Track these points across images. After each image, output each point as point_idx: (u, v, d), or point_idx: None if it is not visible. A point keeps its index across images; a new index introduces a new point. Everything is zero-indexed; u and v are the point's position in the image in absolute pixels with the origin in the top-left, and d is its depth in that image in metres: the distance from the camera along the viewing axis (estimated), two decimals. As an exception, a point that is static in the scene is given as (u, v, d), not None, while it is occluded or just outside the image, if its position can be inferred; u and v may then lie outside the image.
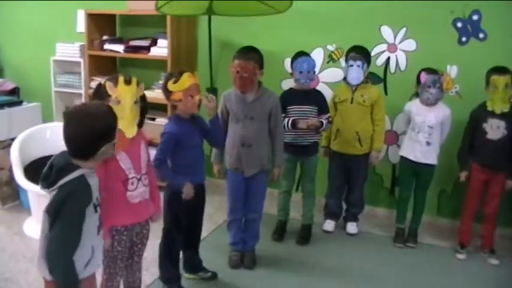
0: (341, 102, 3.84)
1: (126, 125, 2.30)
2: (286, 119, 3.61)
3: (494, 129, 3.47)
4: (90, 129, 1.87)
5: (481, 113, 3.55)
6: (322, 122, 3.63)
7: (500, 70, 3.43)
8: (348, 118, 3.83)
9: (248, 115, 3.25)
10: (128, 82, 2.31)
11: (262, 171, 3.39)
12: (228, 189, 3.47)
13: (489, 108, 3.48)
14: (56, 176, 1.86)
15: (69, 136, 1.88)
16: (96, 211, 1.97)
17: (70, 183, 1.86)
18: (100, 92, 2.33)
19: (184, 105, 2.82)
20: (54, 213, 1.85)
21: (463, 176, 3.68)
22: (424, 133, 3.68)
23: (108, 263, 2.39)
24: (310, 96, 3.71)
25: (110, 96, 2.29)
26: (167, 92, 2.83)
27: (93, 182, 1.95)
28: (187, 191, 2.89)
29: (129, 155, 2.37)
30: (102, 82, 2.34)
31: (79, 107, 1.97)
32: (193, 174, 2.99)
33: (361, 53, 3.77)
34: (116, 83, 2.30)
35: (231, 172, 3.39)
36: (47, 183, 1.89)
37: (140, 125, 2.46)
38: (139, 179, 2.42)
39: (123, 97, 2.29)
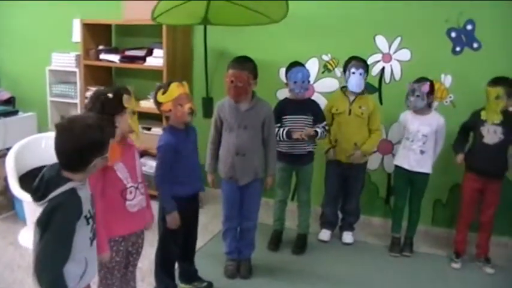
0: (339, 114, 3.84)
1: (138, 135, 2.41)
2: (281, 129, 3.62)
3: (491, 134, 3.48)
4: (81, 143, 1.84)
5: (476, 119, 3.57)
6: (317, 132, 3.63)
7: (493, 81, 3.45)
8: (346, 129, 3.83)
9: (242, 124, 3.26)
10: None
11: (257, 179, 3.40)
12: (223, 198, 3.46)
13: (482, 117, 3.50)
14: (46, 189, 1.85)
15: (59, 149, 1.86)
16: (88, 223, 1.94)
17: (60, 196, 1.84)
18: (111, 104, 2.30)
19: (175, 114, 2.84)
20: (43, 225, 1.83)
21: (459, 158, 3.66)
22: (418, 142, 3.69)
23: (106, 275, 2.37)
24: (305, 106, 3.72)
25: (124, 108, 2.30)
26: (158, 104, 2.85)
27: (84, 194, 1.93)
28: (172, 220, 2.91)
29: (126, 165, 2.38)
30: (110, 95, 2.30)
31: (71, 119, 1.93)
32: (190, 184, 3.00)
33: (363, 61, 3.82)
34: (129, 94, 2.33)
35: (225, 181, 3.39)
36: (37, 196, 1.87)
37: None
38: (136, 188, 2.43)
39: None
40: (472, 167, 3.61)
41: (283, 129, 3.62)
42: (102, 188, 2.20)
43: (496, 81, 3.43)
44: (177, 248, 3.09)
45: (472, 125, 3.63)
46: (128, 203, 2.39)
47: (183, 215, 2.98)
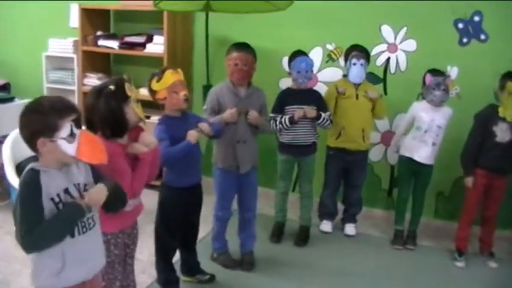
0: (346, 99, 3.77)
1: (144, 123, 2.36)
2: (284, 117, 3.55)
3: (504, 132, 3.40)
4: (20, 124, 1.80)
5: (490, 115, 3.44)
6: (320, 114, 3.57)
7: None
8: (354, 114, 3.77)
9: (242, 111, 3.20)
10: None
11: (254, 167, 3.36)
12: (218, 189, 3.36)
13: (500, 114, 3.37)
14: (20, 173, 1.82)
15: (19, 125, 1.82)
16: (57, 208, 1.79)
17: (21, 177, 1.81)
18: (115, 96, 2.21)
19: (170, 102, 2.76)
20: (15, 209, 1.78)
21: (470, 181, 3.55)
22: (431, 133, 3.61)
23: (107, 270, 2.29)
24: (308, 96, 3.66)
25: (128, 97, 2.22)
26: (152, 92, 2.77)
27: (51, 177, 1.80)
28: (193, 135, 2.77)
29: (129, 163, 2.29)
30: (112, 87, 2.21)
31: (34, 100, 1.85)
32: (190, 174, 2.93)
33: (364, 51, 3.74)
34: (129, 83, 2.25)
35: (223, 171, 3.31)
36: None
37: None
38: None
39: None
40: (482, 164, 3.51)
41: (285, 117, 3.55)
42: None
43: None
44: (173, 239, 3.02)
45: (482, 129, 3.49)
46: None
47: (182, 206, 2.93)
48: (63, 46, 4.97)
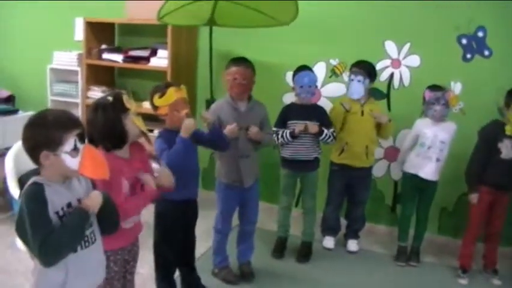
0: (351, 114, 3.75)
1: (147, 136, 2.34)
2: (285, 131, 3.55)
3: (509, 149, 3.38)
4: (23, 136, 1.79)
5: (495, 132, 3.42)
6: (322, 130, 3.56)
7: None
8: (358, 131, 3.75)
9: (243, 126, 3.20)
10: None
11: (256, 180, 3.37)
12: (221, 204, 3.36)
13: (507, 133, 3.33)
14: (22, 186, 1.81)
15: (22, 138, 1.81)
16: (62, 222, 1.79)
17: (24, 190, 1.79)
18: (113, 107, 2.22)
19: (171, 119, 2.76)
20: (20, 224, 1.77)
21: (474, 198, 3.52)
22: (435, 149, 3.60)
23: (105, 286, 2.28)
24: (311, 111, 3.65)
25: (127, 109, 2.22)
26: (154, 107, 2.77)
27: (56, 192, 1.80)
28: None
29: (128, 180, 2.27)
30: (110, 98, 2.23)
31: (38, 113, 1.86)
32: (187, 188, 2.91)
33: (363, 68, 3.71)
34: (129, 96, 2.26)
35: (226, 186, 3.30)
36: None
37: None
38: None
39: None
40: (486, 181, 3.48)
41: (286, 131, 3.56)
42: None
43: None
44: (173, 254, 3.00)
45: (487, 145, 3.47)
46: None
47: (179, 219, 2.92)
48: (67, 59, 5.00)
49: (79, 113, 4.84)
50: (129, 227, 2.31)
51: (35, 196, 1.76)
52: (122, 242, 2.34)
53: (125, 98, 2.23)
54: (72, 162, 1.80)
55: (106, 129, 2.21)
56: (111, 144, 2.24)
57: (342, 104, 3.77)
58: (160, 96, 2.70)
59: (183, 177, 2.82)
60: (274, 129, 3.57)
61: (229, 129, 3.10)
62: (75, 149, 1.80)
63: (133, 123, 2.24)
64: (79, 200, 1.88)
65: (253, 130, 3.20)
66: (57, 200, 1.80)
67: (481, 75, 3.85)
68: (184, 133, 2.68)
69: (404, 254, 3.85)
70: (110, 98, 2.23)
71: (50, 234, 1.72)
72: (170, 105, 2.70)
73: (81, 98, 4.90)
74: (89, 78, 4.79)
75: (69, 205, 1.84)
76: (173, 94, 2.69)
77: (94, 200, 1.87)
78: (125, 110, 2.22)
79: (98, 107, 2.25)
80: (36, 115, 1.83)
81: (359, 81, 3.67)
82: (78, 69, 4.91)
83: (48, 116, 1.82)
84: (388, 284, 3.54)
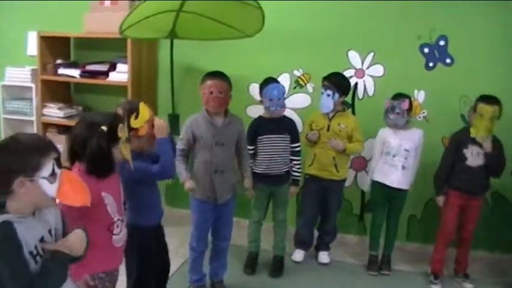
0: (318, 130, 3.74)
1: (130, 162, 2.27)
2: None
3: (474, 156, 3.43)
4: (5, 159, 1.60)
5: (463, 138, 3.48)
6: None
7: (489, 99, 3.35)
8: (324, 145, 3.74)
9: (219, 142, 3.13)
10: None
11: (233, 196, 3.29)
12: (196, 220, 3.26)
13: (472, 135, 3.40)
14: None
15: None
16: (36, 262, 1.62)
17: None
18: (106, 138, 2.10)
19: (151, 137, 2.59)
20: None
21: (440, 201, 3.60)
22: (400, 157, 3.63)
23: None
24: (281, 125, 3.60)
25: (118, 139, 2.13)
26: (131, 129, 2.48)
27: (24, 228, 1.60)
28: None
29: (114, 198, 2.18)
30: (104, 128, 2.09)
31: (8, 137, 1.69)
32: (159, 210, 2.82)
33: (333, 82, 3.67)
34: (123, 122, 2.19)
35: (200, 202, 3.20)
36: None
37: None
38: (122, 220, 2.23)
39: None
40: (454, 185, 3.55)
41: None
42: (83, 223, 1.96)
43: (491, 100, 3.33)
44: (153, 279, 2.86)
45: (454, 149, 3.52)
46: (114, 237, 2.19)
47: (153, 245, 2.78)
48: (20, 75, 4.75)
49: (34, 131, 4.62)
50: (119, 246, 2.24)
51: (6, 240, 1.56)
52: (117, 261, 2.27)
53: (120, 127, 2.13)
54: (50, 189, 1.65)
55: (96, 157, 2.08)
56: (97, 173, 2.11)
57: (310, 128, 3.78)
58: (136, 117, 2.53)
59: (154, 198, 2.74)
60: (249, 147, 3.50)
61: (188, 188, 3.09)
62: (53, 174, 1.66)
63: (120, 151, 2.15)
64: (50, 231, 1.72)
65: (247, 184, 3.42)
66: (30, 237, 1.62)
67: (443, 83, 3.92)
68: (162, 134, 2.58)
69: (376, 263, 3.85)
70: (105, 128, 2.09)
71: (33, 285, 1.56)
72: (148, 121, 2.54)
73: (36, 115, 4.68)
74: (44, 94, 4.58)
75: (41, 239, 1.67)
76: (145, 109, 2.55)
77: (81, 243, 1.74)
78: (117, 139, 2.13)
79: (92, 130, 2.10)
80: (8, 139, 1.68)
81: (328, 95, 3.65)
82: (32, 85, 4.68)
83: (23, 140, 1.66)
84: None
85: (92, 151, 2.07)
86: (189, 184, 3.08)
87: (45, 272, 1.60)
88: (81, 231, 1.77)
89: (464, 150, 3.46)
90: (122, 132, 2.14)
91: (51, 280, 1.62)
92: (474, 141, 3.42)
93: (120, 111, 2.55)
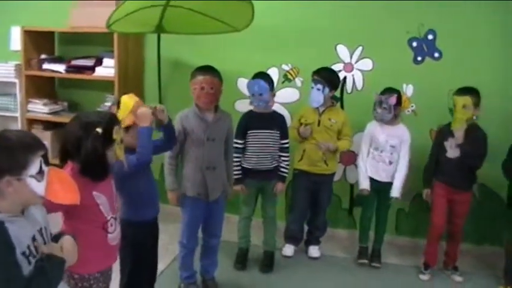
0: (308, 125, 3.72)
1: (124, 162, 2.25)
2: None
3: (453, 148, 3.46)
4: None
5: (445, 131, 3.55)
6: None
7: (461, 91, 3.42)
8: (315, 140, 3.73)
9: (210, 137, 3.10)
10: None
11: (223, 193, 3.27)
12: (186, 217, 3.23)
13: (451, 127, 3.47)
14: None
15: None
16: (29, 263, 1.57)
17: None
18: (101, 141, 2.04)
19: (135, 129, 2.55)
20: None
21: (425, 193, 3.66)
22: (386, 152, 3.67)
23: None
24: (271, 120, 3.58)
25: (113, 141, 2.08)
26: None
27: (16, 228, 1.56)
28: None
29: (106, 196, 2.14)
30: (99, 130, 2.03)
31: None
32: (155, 205, 2.80)
33: (323, 76, 3.66)
34: (118, 124, 2.15)
35: (191, 199, 3.17)
36: None
37: None
38: (115, 218, 2.20)
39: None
40: (438, 178, 3.61)
41: None
42: (77, 224, 1.92)
43: (464, 91, 3.41)
44: (145, 276, 2.84)
45: (438, 143, 3.59)
46: (109, 236, 2.15)
47: (147, 241, 2.77)
48: (4, 70, 4.65)
49: (19, 127, 4.54)
50: (114, 244, 2.21)
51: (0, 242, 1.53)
52: (112, 259, 2.24)
53: (115, 129, 2.09)
54: (38, 187, 1.61)
55: (91, 159, 2.02)
56: (90, 175, 2.05)
57: (299, 123, 3.76)
58: (118, 108, 2.54)
59: (150, 194, 2.72)
60: (235, 140, 3.47)
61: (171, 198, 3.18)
62: (41, 171, 1.61)
63: (113, 153, 2.11)
64: (40, 230, 1.68)
65: (232, 193, 3.41)
66: (22, 237, 1.58)
67: (431, 77, 3.92)
68: (144, 123, 2.50)
69: (366, 254, 3.88)
70: (100, 130, 2.03)
71: (29, 286, 1.52)
72: (131, 111, 2.50)
73: (20, 111, 4.60)
74: (28, 90, 4.50)
75: (33, 238, 1.63)
76: (127, 100, 2.53)
77: (74, 252, 1.72)
78: (112, 141, 2.08)
79: (87, 130, 2.03)
80: None
81: (318, 89, 3.64)
82: (16, 80, 4.60)
83: (10, 137, 1.60)
84: (353, 287, 3.54)
85: (87, 153, 2.00)
86: (173, 195, 3.16)
87: (41, 273, 1.57)
88: (72, 240, 1.74)
89: (445, 143, 3.51)
90: (117, 134, 2.10)
91: (47, 281, 1.59)
92: (452, 134, 3.46)
93: (113, 108, 2.55)
